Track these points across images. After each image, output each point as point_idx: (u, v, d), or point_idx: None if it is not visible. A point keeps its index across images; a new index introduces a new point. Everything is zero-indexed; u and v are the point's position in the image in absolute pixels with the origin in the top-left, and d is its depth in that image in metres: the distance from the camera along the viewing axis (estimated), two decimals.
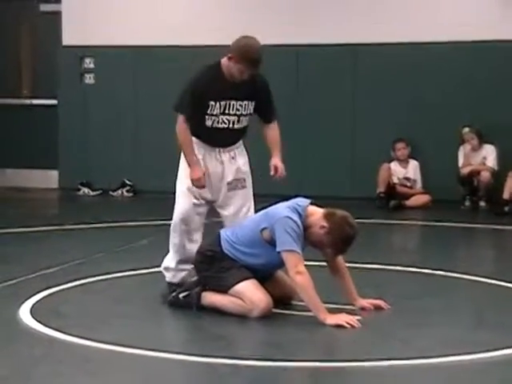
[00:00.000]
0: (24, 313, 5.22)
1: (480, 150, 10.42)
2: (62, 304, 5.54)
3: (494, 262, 7.53)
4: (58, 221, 9.20)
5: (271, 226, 5.09)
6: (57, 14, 11.93)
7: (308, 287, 4.99)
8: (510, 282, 6.16)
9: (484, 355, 4.47)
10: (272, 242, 5.10)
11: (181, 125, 5.51)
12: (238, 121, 5.63)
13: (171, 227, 5.65)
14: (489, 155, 10.38)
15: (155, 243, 7.76)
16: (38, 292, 5.72)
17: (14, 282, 6.10)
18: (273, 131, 5.88)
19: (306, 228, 5.11)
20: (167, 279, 5.65)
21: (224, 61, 5.54)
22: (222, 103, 5.53)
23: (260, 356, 4.50)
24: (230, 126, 5.60)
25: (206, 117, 5.53)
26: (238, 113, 5.60)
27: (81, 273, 6.38)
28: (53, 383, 4.11)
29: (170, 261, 5.67)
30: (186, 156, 5.55)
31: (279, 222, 5.05)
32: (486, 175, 10.22)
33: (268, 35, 11.21)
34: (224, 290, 5.21)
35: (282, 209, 5.14)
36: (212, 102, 5.52)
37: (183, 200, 5.56)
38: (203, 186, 5.50)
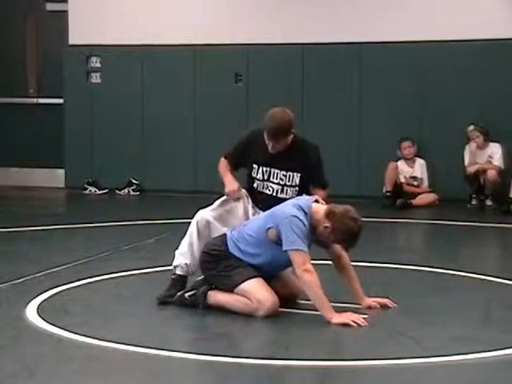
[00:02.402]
0: (31, 311, 5.22)
1: (486, 149, 10.39)
2: (69, 302, 5.54)
3: (501, 261, 7.51)
4: (65, 220, 9.21)
5: (277, 225, 5.09)
6: (63, 13, 11.94)
7: (315, 286, 4.99)
8: None
9: (492, 353, 4.46)
10: (278, 242, 5.10)
11: (222, 161, 5.87)
12: (283, 190, 5.64)
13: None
14: (495, 154, 10.35)
15: (162, 242, 7.77)
16: (45, 291, 5.73)
17: (20, 280, 6.11)
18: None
19: (312, 227, 5.10)
20: (178, 270, 5.61)
21: None
22: (265, 169, 5.63)
23: (265, 355, 4.50)
24: (275, 194, 5.65)
25: (254, 179, 5.67)
26: (281, 182, 5.64)
27: (87, 271, 6.39)
28: (59, 381, 4.11)
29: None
30: (222, 178, 5.74)
31: (285, 221, 5.04)
32: (492, 174, 10.19)
33: (274, 34, 11.29)
34: (230, 288, 5.21)
35: (287, 207, 5.14)
36: (255, 165, 5.65)
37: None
38: (239, 198, 5.61)
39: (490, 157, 10.35)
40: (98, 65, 11.92)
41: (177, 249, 5.66)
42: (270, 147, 5.53)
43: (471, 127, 10.42)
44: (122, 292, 5.86)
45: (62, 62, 11.93)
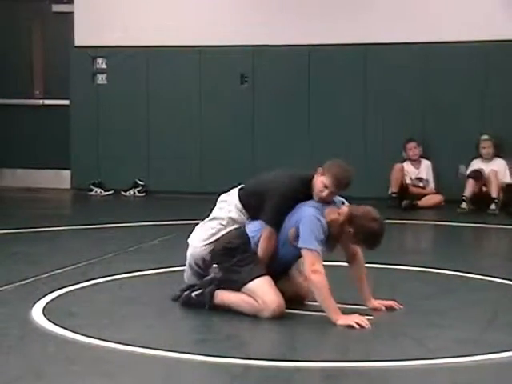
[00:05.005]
0: (36, 313, 5.22)
1: (491, 162, 10.32)
2: (74, 304, 5.54)
3: (507, 263, 7.49)
4: (70, 221, 9.21)
5: (298, 223, 5.08)
6: (69, 15, 11.95)
7: (322, 287, 4.97)
8: None
9: (497, 356, 4.45)
10: (294, 242, 5.09)
11: (270, 234, 5.25)
12: None
13: None
14: (502, 169, 10.25)
15: (167, 243, 7.77)
16: (51, 292, 5.73)
17: (26, 282, 6.11)
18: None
19: (330, 229, 5.09)
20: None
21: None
22: None
23: (272, 356, 4.49)
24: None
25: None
26: None
27: (93, 273, 6.39)
28: (65, 382, 4.11)
29: None
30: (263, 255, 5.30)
31: (306, 220, 5.04)
32: (492, 175, 10.08)
33: (279, 35, 11.28)
34: (238, 286, 5.18)
35: (310, 209, 5.11)
36: None
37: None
38: None
39: (493, 171, 10.21)
40: (104, 66, 11.93)
41: None
42: (325, 194, 5.21)
43: (485, 136, 10.37)
44: (127, 293, 5.85)
45: (68, 63, 11.94)
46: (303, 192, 5.24)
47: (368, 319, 4.97)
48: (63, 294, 5.75)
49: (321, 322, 5.03)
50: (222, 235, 5.41)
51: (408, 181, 10.69)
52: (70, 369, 4.28)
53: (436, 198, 10.59)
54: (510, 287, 6.10)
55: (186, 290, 5.45)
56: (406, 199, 10.41)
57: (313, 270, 4.98)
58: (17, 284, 6.03)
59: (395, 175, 10.55)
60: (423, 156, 10.80)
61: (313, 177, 5.27)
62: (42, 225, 8.73)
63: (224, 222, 5.46)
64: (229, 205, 5.51)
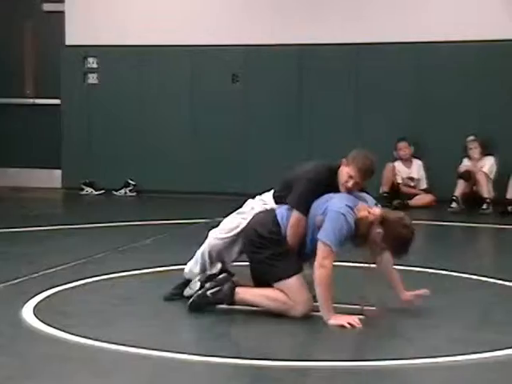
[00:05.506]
0: (28, 312, 5.20)
1: (480, 162, 10.35)
2: (66, 303, 5.53)
3: (498, 262, 7.50)
4: (62, 220, 9.19)
5: (326, 212, 5.05)
6: (60, 14, 11.94)
7: (324, 283, 4.94)
8: None
9: (490, 354, 4.46)
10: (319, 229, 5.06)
11: (298, 221, 5.23)
12: None
13: None
14: (486, 164, 10.31)
15: (158, 243, 7.76)
16: (42, 291, 5.71)
17: (17, 281, 6.09)
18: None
19: (357, 226, 5.06)
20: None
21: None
22: None
23: (264, 356, 4.48)
24: None
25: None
26: None
27: (84, 272, 6.37)
28: (56, 382, 4.10)
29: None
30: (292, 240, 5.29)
31: (333, 214, 5.01)
32: (482, 177, 10.13)
33: (271, 35, 11.28)
34: (272, 279, 5.11)
35: (341, 204, 5.07)
36: None
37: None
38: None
39: (483, 171, 10.26)
40: (95, 65, 11.92)
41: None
42: (350, 184, 5.28)
43: (471, 137, 10.40)
44: (119, 293, 5.84)
45: (59, 62, 11.92)
46: (330, 180, 5.29)
47: (360, 319, 4.97)
48: (55, 293, 5.73)
49: (314, 321, 5.02)
50: (252, 218, 5.33)
51: (399, 180, 10.71)
52: (61, 368, 4.26)
53: (427, 198, 10.61)
54: (501, 286, 6.11)
55: (178, 289, 5.42)
56: (397, 199, 10.43)
57: (321, 264, 4.95)
58: (8, 283, 6.01)
59: (387, 175, 10.57)
60: (415, 156, 10.82)
61: (339, 167, 5.33)
62: (33, 224, 8.71)
63: (247, 216, 5.42)
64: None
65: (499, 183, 10.18)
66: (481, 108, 10.65)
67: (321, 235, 5.01)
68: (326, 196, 5.19)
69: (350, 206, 5.07)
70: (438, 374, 4.28)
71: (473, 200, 10.17)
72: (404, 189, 10.69)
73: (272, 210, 5.30)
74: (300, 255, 5.21)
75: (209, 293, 5.22)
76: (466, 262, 7.12)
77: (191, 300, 5.25)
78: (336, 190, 5.27)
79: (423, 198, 10.61)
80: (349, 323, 4.91)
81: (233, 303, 5.21)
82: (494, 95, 10.64)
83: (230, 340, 4.86)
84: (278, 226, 5.20)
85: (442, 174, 10.60)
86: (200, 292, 5.25)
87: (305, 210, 5.18)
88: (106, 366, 4.33)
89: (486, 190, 10.11)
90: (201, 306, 5.22)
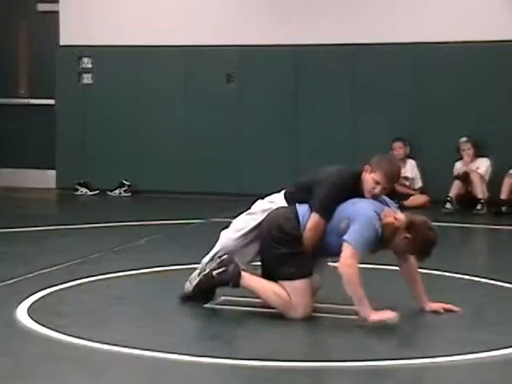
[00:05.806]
0: (22, 312, 5.20)
1: (473, 163, 10.36)
2: (61, 304, 5.53)
3: (492, 262, 7.51)
4: (56, 221, 9.18)
5: (351, 219, 5.04)
6: (54, 14, 11.93)
7: (354, 281, 4.92)
8: (508, 282, 6.16)
9: (484, 354, 4.47)
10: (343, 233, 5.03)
11: (318, 224, 5.20)
12: None
13: None
14: (482, 166, 10.32)
15: (153, 243, 7.75)
16: (36, 292, 5.70)
17: (11, 281, 6.08)
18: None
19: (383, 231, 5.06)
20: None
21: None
22: None
23: (258, 356, 4.48)
24: None
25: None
26: None
27: (79, 272, 6.36)
28: (50, 382, 4.09)
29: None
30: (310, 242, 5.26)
31: (362, 218, 5.00)
32: (477, 178, 10.15)
33: (267, 35, 11.28)
34: (281, 276, 5.10)
35: (369, 209, 5.08)
36: None
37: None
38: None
39: (476, 172, 10.27)
40: (90, 65, 11.91)
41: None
42: (378, 190, 5.28)
43: (464, 138, 10.42)
44: (113, 293, 5.83)
45: (54, 62, 11.91)
46: (353, 185, 5.25)
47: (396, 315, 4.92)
48: (50, 293, 5.72)
49: (308, 321, 5.03)
50: (274, 208, 5.29)
51: None
52: (55, 369, 4.26)
53: (422, 199, 10.62)
54: (494, 286, 6.12)
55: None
56: (392, 199, 10.41)
57: (347, 264, 4.92)
58: (2, 283, 6.00)
59: None
60: (409, 156, 10.83)
61: (361, 172, 5.28)
62: (27, 224, 8.70)
63: (257, 217, 5.39)
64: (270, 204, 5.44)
65: (493, 184, 10.20)
66: (477, 109, 10.66)
67: (349, 237, 4.98)
68: (352, 200, 5.17)
69: (377, 213, 5.08)
70: (432, 374, 4.28)
71: (467, 201, 10.19)
72: (399, 188, 10.69)
73: (293, 207, 5.25)
74: (312, 257, 5.20)
75: (214, 273, 5.15)
76: (459, 263, 7.13)
77: (196, 281, 5.20)
78: (358, 195, 5.24)
79: (418, 199, 10.62)
80: (388, 318, 4.88)
81: (237, 285, 5.13)
82: (491, 96, 10.65)
83: (224, 340, 4.85)
84: (299, 224, 5.17)
85: (437, 175, 10.62)
86: (205, 272, 5.17)
87: (326, 214, 5.14)
88: (99, 366, 4.33)
89: (480, 191, 10.14)
90: (205, 287, 5.17)
